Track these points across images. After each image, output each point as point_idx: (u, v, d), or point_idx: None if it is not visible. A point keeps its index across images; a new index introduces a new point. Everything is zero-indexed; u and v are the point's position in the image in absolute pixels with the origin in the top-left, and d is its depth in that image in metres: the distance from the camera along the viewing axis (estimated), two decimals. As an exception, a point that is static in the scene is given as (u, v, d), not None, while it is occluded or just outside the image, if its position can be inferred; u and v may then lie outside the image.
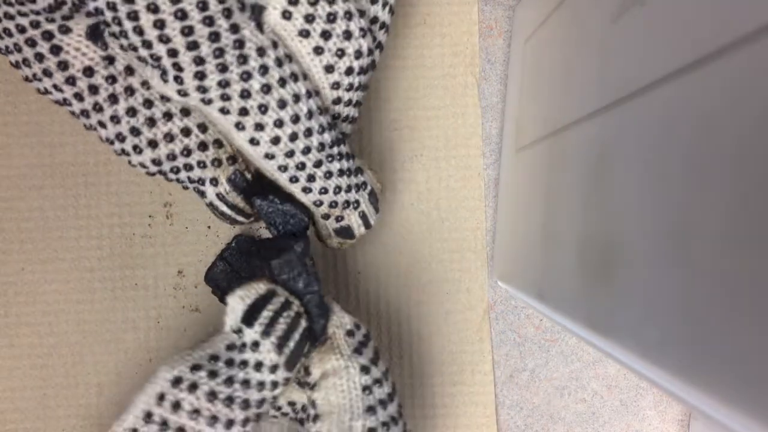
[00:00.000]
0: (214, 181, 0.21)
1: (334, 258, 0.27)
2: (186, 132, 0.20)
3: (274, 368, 0.19)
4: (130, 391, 0.22)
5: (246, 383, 0.18)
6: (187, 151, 0.20)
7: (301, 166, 0.19)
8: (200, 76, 0.17)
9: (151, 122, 0.19)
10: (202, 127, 0.20)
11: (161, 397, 0.17)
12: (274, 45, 0.18)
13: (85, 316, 0.26)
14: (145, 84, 0.19)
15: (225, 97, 0.18)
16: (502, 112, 0.27)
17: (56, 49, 0.18)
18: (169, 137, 0.20)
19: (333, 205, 0.21)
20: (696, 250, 0.11)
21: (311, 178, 0.20)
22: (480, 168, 0.27)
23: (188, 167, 0.20)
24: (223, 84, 0.17)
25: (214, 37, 0.17)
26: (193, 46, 0.17)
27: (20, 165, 0.26)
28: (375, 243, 0.27)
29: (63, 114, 0.26)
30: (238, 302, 0.19)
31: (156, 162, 0.20)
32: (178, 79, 0.17)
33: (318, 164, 0.20)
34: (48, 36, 0.18)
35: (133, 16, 0.16)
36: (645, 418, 0.28)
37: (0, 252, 0.26)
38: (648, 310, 0.12)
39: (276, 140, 0.19)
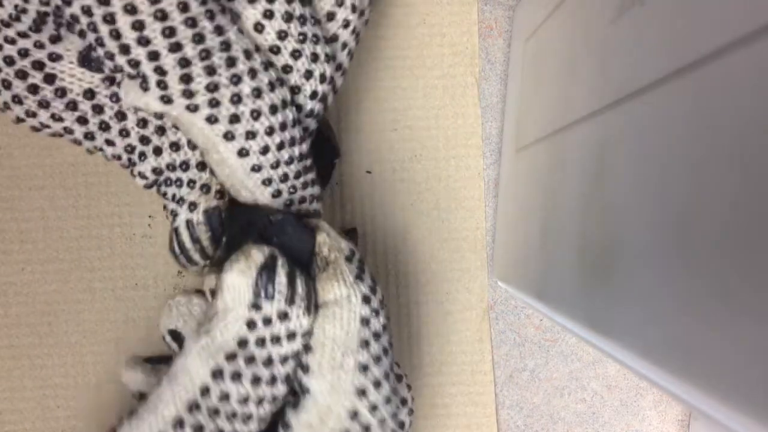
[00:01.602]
0: (193, 206, 0.20)
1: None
2: (193, 146, 0.19)
3: (307, 333, 0.18)
4: (130, 391, 0.22)
5: (285, 358, 0.18)
6: (185, 165, 0.19)
7: (284, 178, 0.19)
8: (186, 79, 0.16)
9: (161, 131, 0.19)
10: None
11: (205, 390, 0.17)
12: (257, 49, 0.17)
13: (85, 316, 0.26)
14: None
15: (213, 103, 0.17)
16: (502, 112, 0.27)
17: (50, 78, 0.18)
18: (176, 146, 0.19)
19: (307, 215, 0.20)
20: (695, 250, 0.11)
21: (293, 189, 0.19)
22: (480, 168, 0.27)
23: (179, 183, 0.20)
24: (212, 88, 0.16)
25: (198, 38, 0.16)
26: (176, 47, 0.16)
27: (21, 165, 0.26)
28: (375, 243, 0.27)
29: (63, 114, 0.26)
30: (238, 277, 0.17)
31: (156, 171, 0.20)
32: (161, 84, 0.16)
33: (298, 175, 0.19)
34: (39, 66, 0.17)
35: (110, 19, 0.15)
36: (645, 418, 0.28)
37: (0, 252, 0.26)
38: (648, 309, 0.12)
39: (265, 150, 0.18)
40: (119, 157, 0.20)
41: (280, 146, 0.18)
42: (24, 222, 0.26)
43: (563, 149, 0.19)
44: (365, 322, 0.18)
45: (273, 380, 0.17)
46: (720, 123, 0.10)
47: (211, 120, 0.17)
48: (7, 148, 0.26)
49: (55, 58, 0.17)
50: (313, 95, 0.19)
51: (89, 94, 0.18)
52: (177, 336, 0.21)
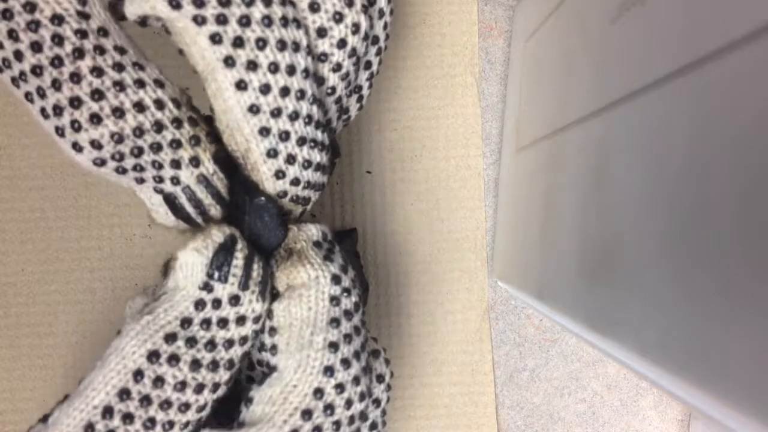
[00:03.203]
0: (195, 161, 0.17)
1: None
2: (159, 104, 0.17)
3: (257, 318, 0.17)
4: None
5: (230, 342, 0.17)
6: (158, 126, 0.17)
7: (285, 136, 0.17)
8: None
9: (120, 86, 0.16)
10: (176, 102, 0.17)
11: (138, 374, 0.16)
12: None
13: (85, 316, 0.26)
14: (117, 48, 0.16)
15: (221, 19, 0.15)
16: (502, 112, 0.27)
17: None
18: (140, 107, 0.16)
19: (293, 200, 0.19)
20: (695, 250, 0.11)
21: (291, 159, 0.17)
22: (480, 168, 0.27)
23: (156, 147, 0.17)
24: (223, 1, 0.15)
25: None
26: None
27: (21, 166, 0.26)
28: (374, 243, 0.27)
29: (63, 114, 0.26)
30: (193, 256, 0.16)
31: (116, 138, 0.16)
32: None
33: (301, 142, 0.17)
34: None
35: None
36: (645, 418, 0.28)
37: (0, 252, 0.26)
38: (648, 309, 0.12)
39: (266, 89, 0.16)
40: (59, 112, 0.16)
41: (284, 92, 0.16)
42: (24, 222, 0.26)
43: (563, 149, 0.19)
44: (335, 301, 0.17)
45: (215, 365, 0.17)
46: (720, 123, 0.10)
47: (215, 39, 0.16)
48: (7, 148, 0.26)
49: None
50: (341, 44, 0.17)
51: (57, 19, 0.15)
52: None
